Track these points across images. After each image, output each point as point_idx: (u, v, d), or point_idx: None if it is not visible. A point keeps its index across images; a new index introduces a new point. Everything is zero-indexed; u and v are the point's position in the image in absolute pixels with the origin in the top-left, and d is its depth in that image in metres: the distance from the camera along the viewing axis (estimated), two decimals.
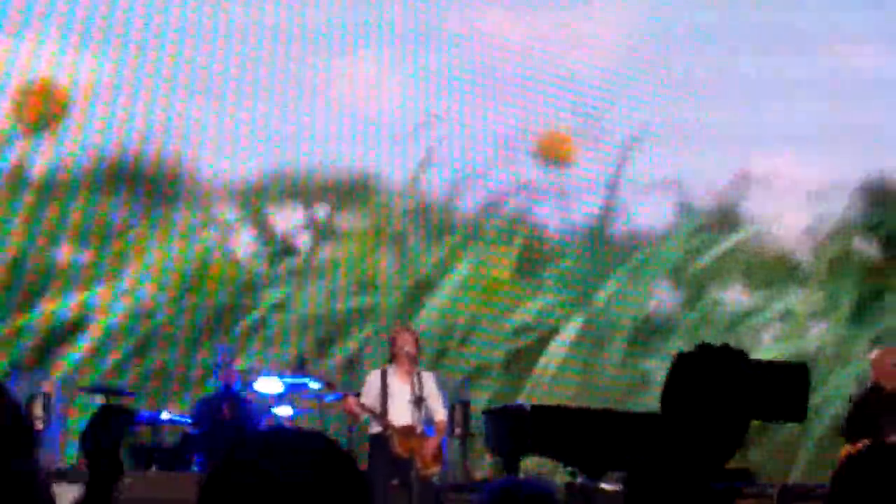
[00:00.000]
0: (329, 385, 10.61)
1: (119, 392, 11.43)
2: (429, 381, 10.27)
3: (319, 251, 13.76)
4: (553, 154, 14.39)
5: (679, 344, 14.23)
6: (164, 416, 11.12)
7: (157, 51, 13.02)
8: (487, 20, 14.51)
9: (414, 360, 10.20)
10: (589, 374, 14.14)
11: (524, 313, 14.10)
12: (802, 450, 14.02)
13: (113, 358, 12.84)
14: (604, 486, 10.60)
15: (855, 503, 2.92)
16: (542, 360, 14.06)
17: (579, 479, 10.47)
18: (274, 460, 1.92)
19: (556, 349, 14.14)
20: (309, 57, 13.73)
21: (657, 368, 14.20)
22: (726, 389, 2.86)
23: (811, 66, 15.04)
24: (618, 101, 14.74)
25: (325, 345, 13.23)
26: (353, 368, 12.96)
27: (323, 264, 13.72)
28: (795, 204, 15.24)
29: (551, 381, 13.89)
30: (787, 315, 15.00)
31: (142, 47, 12.97)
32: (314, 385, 11.18)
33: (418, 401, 10.04)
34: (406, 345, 10.18)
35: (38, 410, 11.13)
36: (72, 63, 12.76)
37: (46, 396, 11.28)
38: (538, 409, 11.00)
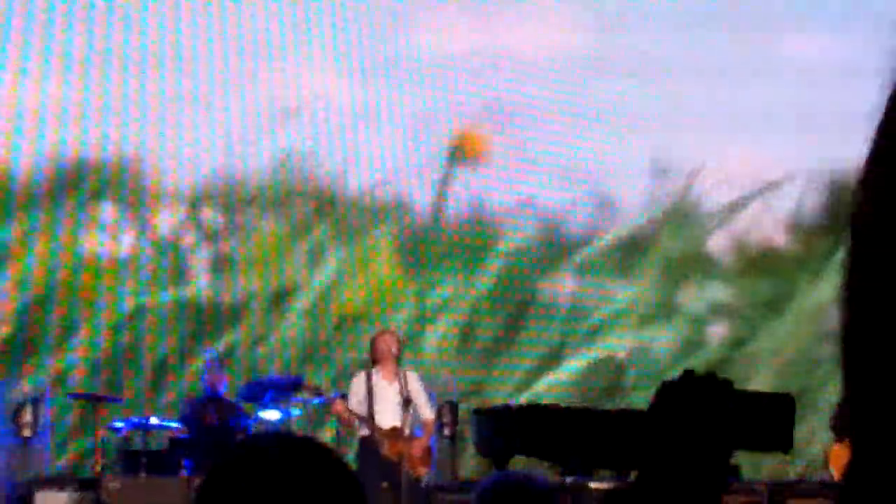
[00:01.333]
0: (315, 390, 10.62)
1: (106, 398, 11.43)
2: (414, 381, 10.29)
3: (204, 248, 13.54)
4: (467, 151, 14.35)
5: (549, 335, 14.26)
6: (153, 420, 11.12)
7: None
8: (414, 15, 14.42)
9: (397, 361, 10.23)
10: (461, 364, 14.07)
11: (409, 305, 14.00)
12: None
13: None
14: (593, 484, 10.63)
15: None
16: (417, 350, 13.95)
17: (569, 479, 10.50)
18: (268, 465, 1.94)
19: (432, 338, 14.05)
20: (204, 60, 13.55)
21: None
22: (711, 419, 2.87)
23: (741, 53, 15.14)
24: (540, 90, 14.73)
25: (195, 343, 13.05)
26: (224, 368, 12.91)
27: (214, 260, 13.54)
28: (720, 194, 15.34)
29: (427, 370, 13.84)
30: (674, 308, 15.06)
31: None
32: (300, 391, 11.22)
33: (406, 402, 10.06)
34: (390, 346, 10.20)
35: (27, 417, 11.13)
36: None
37: (35, 403, 11.27)
38: (525, 409, 11.03)
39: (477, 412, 11.10)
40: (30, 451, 11.19)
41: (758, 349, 15.03)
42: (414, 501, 9.99)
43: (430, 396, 10.62)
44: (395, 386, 10.12)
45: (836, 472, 10.64)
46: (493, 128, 14.47)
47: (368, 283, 13.80)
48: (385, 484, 9.93)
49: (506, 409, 10.18)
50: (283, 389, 11.29)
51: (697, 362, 14.63)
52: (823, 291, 14.94)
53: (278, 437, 2.06)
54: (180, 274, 13.19)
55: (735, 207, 15.31)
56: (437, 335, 13.99)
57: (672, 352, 14.64)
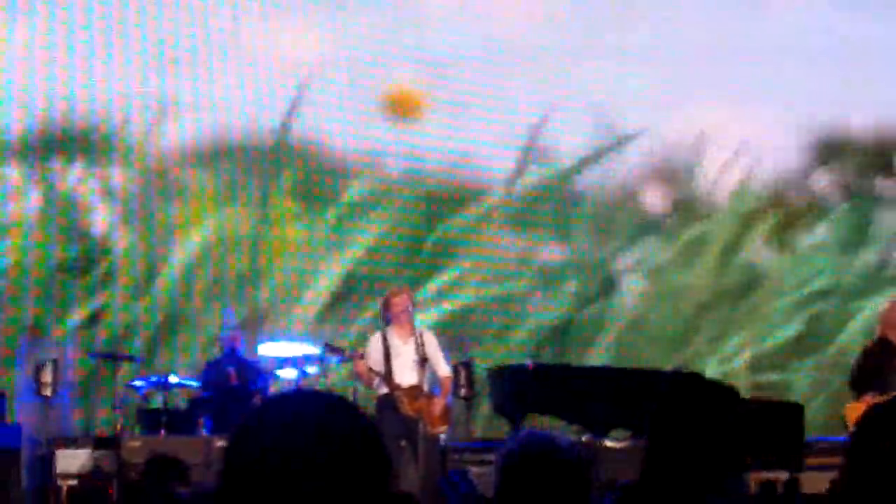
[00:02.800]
0: (339, 350, 10.65)
1: (127, 357, 11.51)
2: (430, 339, 10.33)
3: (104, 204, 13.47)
4: (401, 109, 14.28)
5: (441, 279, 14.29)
6: (173, 379, 11.20)
7: None
8: None
9: (412, 320, 10.27)
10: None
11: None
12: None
13: None
14: (608, 443, 10.68)
15: (879, 454, 2.97)
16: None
17: (584, 438, 10.55)
18: (295, 420, 1.97)
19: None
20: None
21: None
22: (716, 428, 2.84)
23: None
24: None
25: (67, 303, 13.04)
26: (96, 326, 12.93)
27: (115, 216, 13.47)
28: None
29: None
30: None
31: None
32: (317, 350, 11.32)
33: (423, 361, 10.11)
34: (405, 305, 10.23)
35: (46, 377, 11.20)
36: None
37: (55, 363, 11.34)
38: (540, 368, 11.06)
39: (492, 371, 11.19)
40: (50, 410, 11.29)
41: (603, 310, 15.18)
42: (431, 459, 10.06)
43: (445, 355, 10.66)
44: (411, 345, 10.17)
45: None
46: (429, 83, 14.44)
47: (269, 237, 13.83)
48: (403, 441, 10.00)
49: (521, 368, 10.27)
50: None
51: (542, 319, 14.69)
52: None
53: (305, 393, 2.10)
54: (74, 231, 13.16)
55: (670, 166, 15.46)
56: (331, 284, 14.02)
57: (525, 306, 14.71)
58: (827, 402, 13.42)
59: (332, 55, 14.14)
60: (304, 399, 2.02)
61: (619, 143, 15.06)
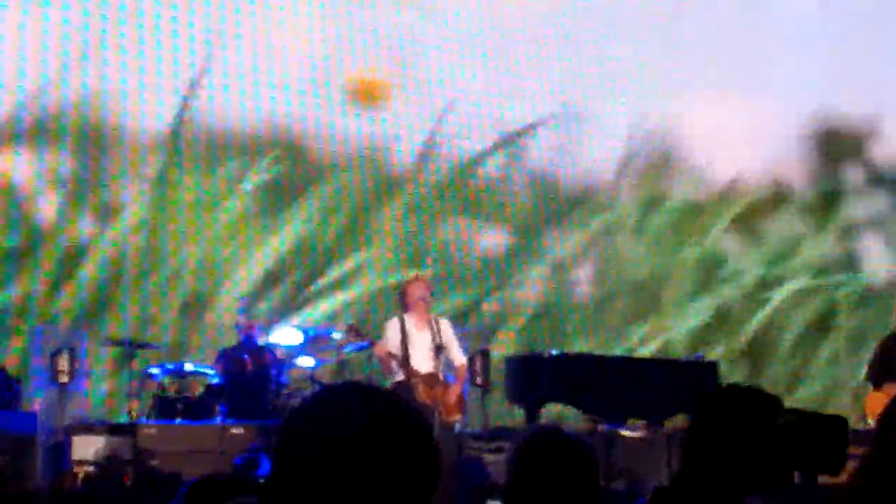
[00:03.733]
0: (356, 332, 10.58)
1: (144, 345, 11.51)
2: (446, 327, 10.30)
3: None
4: (366, 96, 14.23)
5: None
6: (188, 367, 11.20)
7: None
8: None
9: (429, 308, 10.24)
10: None
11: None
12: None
13: None
14: (625, 432, 10.64)
15: None
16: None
17: (601, 427, 10.52)
18: (351, 414, 1.96)
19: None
20: None
21: None
22: (755, 438, 2.77)
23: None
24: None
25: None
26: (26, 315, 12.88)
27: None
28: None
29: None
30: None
31: None
32: (337, 335, 11.29)
33: (439, 348, 10.08)
34: (422, 292, 10.20)
35: (63, 364, 11.21)
36: None
37: (72, 350, 11.35)
38: (557, 357, 11.03)
39: (509, 359, 11.16)
40: (67, 397, 11.29)
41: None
42: (446, 447, 10.03)
43: (462, 344, 10.63)
44: (428, 332, 10.14)
45: (872, 420, 10.60)
46: (395, 72, 14.42)
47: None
48: None
49: (538, 357, 10.23)
50: (329, 334, 11.43)
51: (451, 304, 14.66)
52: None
53: (363, 386, 2.07)
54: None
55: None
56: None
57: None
58: None
59: (301, 41, 14.15)
60: (363, 393, 2.00)
61: (537, 126, 15.03)
